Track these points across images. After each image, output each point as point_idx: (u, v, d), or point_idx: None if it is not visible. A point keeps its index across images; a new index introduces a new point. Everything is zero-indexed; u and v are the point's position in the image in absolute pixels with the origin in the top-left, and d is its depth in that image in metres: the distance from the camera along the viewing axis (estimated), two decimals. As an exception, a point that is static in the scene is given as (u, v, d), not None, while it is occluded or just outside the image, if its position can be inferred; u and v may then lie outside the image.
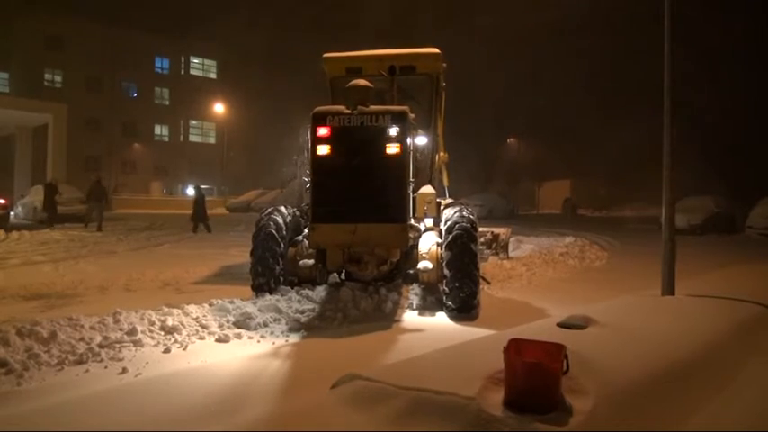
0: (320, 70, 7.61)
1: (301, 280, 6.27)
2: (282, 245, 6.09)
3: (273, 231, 6.06)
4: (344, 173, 5.60)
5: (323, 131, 5.60)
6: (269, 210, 6.42)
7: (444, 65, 7.44)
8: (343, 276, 6.55)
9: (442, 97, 7.64)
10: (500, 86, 44.43)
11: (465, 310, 5.59)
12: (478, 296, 5.71)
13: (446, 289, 5.68)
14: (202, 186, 20.70)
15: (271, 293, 5.84)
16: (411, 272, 6.37)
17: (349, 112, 5.62)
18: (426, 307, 5.99)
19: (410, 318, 5.67)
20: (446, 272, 5.67)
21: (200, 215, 17.47)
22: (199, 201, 17.92)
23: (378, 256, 5.78)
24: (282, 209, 6.40)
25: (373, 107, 5.72)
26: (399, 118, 5.62)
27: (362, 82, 5.86)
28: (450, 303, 5.64)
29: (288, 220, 6.28)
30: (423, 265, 5.94)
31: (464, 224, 5.75)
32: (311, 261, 6.16)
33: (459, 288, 5.56)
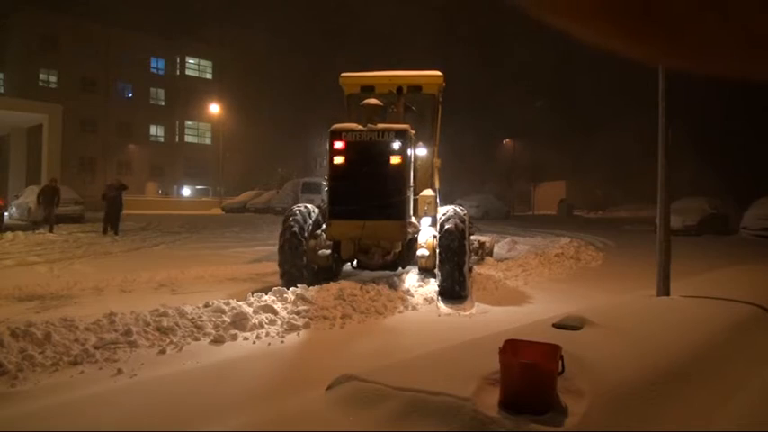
0: (337, 87, 8.31)
1: (320, 268, 7.16)
2: (305, 242, 6.89)
3: (298, 227, 6.89)
4: (356, 179, 6.63)
5: (338, 145, 6.63)
6: (294, 208, 7.33)
7: (444, 84, 8.12)
8: (355, 264, 7.34)
9: (439, 112, 8.35)
10: (496, 88, 44.52)
11: (454, 292, 6.41)
12: (467, 282, 6.54)
13: (439, 274, 6.52)
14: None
15: (298, 281, 6.52)
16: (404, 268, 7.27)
17: (360, 128, 6.63)
18: (423, 307, 6.04)
19: (406, 318, 5.68)
20: (438, 260, 6.52)
21: (110, 216, 16.63)
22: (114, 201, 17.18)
23: (383, 247, 6.84)
24: (304, 207, 7.30)
25: (380, 125, 6.72)
26: (402, 134, 6.67)
27: (374, 101, 6.92)
28: (441, 287, 6.49)
29: (309, 216, 7.09)
30: (420, 252, 7.03)
31: (455, 219, 6.63)
32: (328, 251, 7.07)
33: (449, 273, 6.39)
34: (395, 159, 6.57)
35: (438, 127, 8.44)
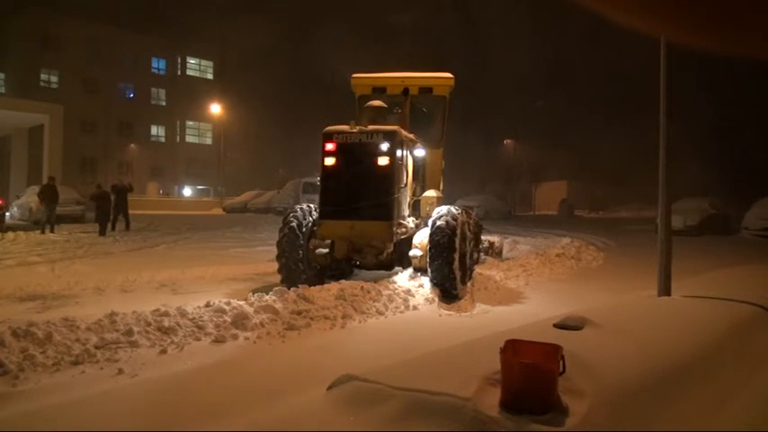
0: (349, 89, 8.48)
1: (322, 267, 7.34)
2: (302, 237, 7.05)
3: (296, 222, 7.08)
4: (346, 180, 6.72)
5: (330, 146, 6.74)
6: (295, 207, 7.54)
7: (453, 86, 8.28)
8: (357, 263, 7.52)
9: (447, 113, 8.49)
10: (497, 88, 44.54)
11: (444, 289, 6.46)
12: (458, 281, 6.54)
13: (429, 271, 6.60)
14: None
15: (297, 278, 6.80)
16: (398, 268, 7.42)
17: (351, 130, 6.71)
18: (424, 307, 6.05)
19: (407, 318, 5.68)
20: (429, 256, 6.61)
21: (104, 216, 16.40)
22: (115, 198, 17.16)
23: (375, 247, 6.94)
24: (303, 206, 7.45)
25: (371, 126, 6.78)
26: (390, 135, 6.68)
27: (377, 102, 7.25)
28: (431, 284, 6.55)
29: (309, 215, 7.25)
30: (413, 252, 7.03)
31: (447, 217, 6.68)
32: (325, 250, 7.19)
33: (438, 269, 6.46)
34: (383, 160, 6.62)
35: (446, 128, 8.53)
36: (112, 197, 17.24)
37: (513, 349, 2.67)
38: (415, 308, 6.04)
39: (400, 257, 7.30)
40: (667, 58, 5.62)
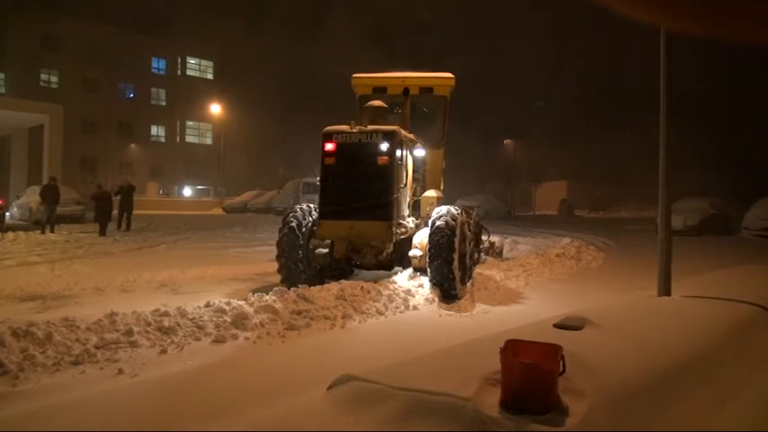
0: (349, 88, 8.49)
1: (321, 266, 7.34)
2: (302, 237, 7.07)
3: (296, 222, 7.10)
4: (345, 180, 6.72)
5: (329, 146, 6.74)
6: (295, 207, 7.57)
7: (454, 86, 8.33)
8: (356, 263, 7.51)
9: (447, 113, 8.53)
10: (498, 88, 44.55)
11: (443, 289, 6.45)
12: (457, 281, 6.52)
13: (429, 271, 6.59)
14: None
15: (297, 278, 6.83)
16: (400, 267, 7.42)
17: (351, 130, 6.72)
18: (424, 307, 6.05)
19: (407, 319, 5.68)
20: (428, 257, 6.61)
21: (106, 215, 16.26)
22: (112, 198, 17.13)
23: (375, 247, 6.95)
24: (303, 206, 7.46)
25: (371, 126, 6.78)
26: (390, 135, 6.69)
27: (377, 103, 7.31)
28: (431, 284, 6.54)
29: (309, 215, 7.26)
30: (413, 252, 7.02)
31: (446, 217, 6.66)
32: (325, 250, 7.20)
33: (437, 270, 6.46)
34: (382, 160, 6.62)
35: (446, 128, 8.53)
36: (117, 198, 17.35)
37: (513, 349, 2.67)
38: (414, 308, 6.04)
39: (400, 257, 7.28)
40: (667, 58, 5.62)
